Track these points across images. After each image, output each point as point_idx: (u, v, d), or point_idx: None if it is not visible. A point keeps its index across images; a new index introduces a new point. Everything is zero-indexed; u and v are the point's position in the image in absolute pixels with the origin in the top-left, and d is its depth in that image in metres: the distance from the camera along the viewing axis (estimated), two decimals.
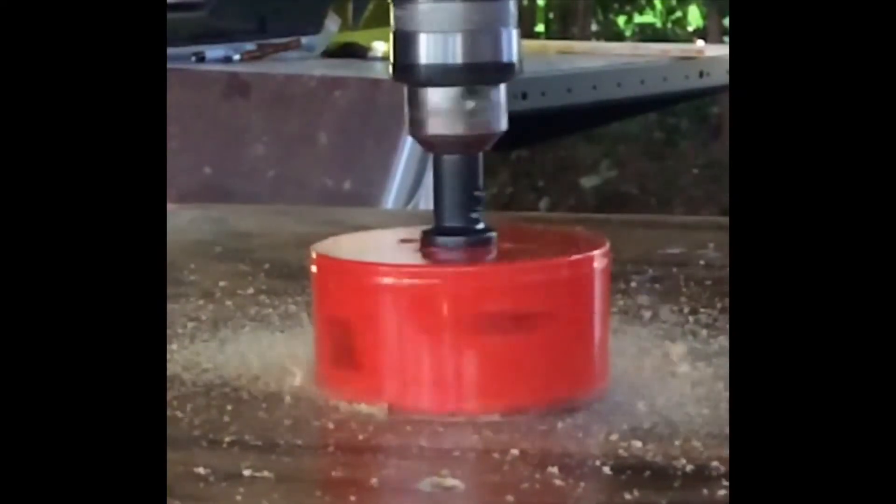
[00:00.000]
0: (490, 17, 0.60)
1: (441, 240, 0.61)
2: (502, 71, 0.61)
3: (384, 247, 0.65)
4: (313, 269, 0.62)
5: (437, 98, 0.60)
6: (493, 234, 0.62)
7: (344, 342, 0.60)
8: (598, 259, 0.60)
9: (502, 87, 0.61)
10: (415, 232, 0.63)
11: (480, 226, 0.62)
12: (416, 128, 0.61)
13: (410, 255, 0.62)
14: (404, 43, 0.60)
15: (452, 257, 0.61)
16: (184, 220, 1.01)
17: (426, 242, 0.62)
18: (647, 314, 0.72)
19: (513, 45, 0.61)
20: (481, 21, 0.60)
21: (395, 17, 0.61)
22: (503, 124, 0.61)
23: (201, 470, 0.53)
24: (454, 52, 0.60)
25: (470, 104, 0.60)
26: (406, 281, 0.59)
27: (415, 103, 0.61)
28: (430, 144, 0.62)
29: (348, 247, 0.65)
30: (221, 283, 0.80)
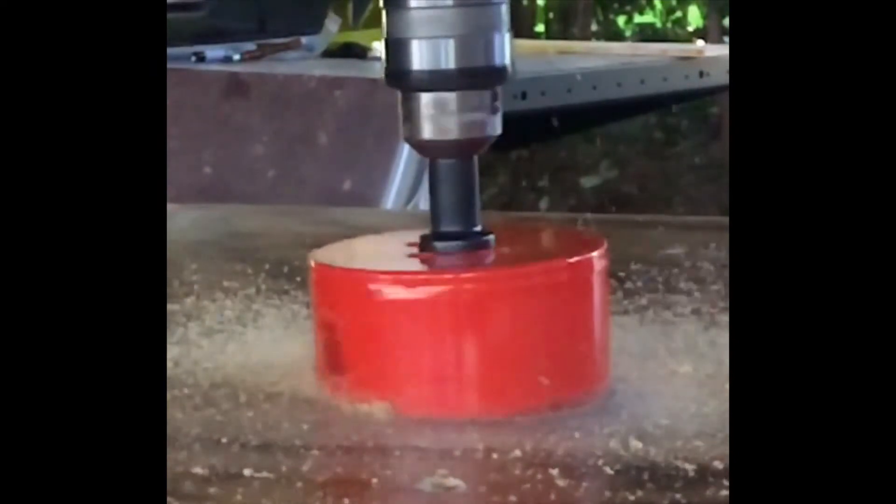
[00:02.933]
0: (482, 21, 0.60)
1: (439, 244, 0.61)
2: (495, 75, 0.61)
3: (383, 252, 0.65)
4: (312, 275, 0.61)
5: (430, 103, 0.60)
6: (491, 237, 0.62)
7: (345, 345, 0.60)
8: (597, 260, 0.60)
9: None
10: (413, 236, 0.63)
11: (478, 229, 0.62)
12: (411, 133, 0.61)
13: (409, 261, 0.62)
14: (397, 49, 0.60)
15: (451, 262, 0.61)
16: (185, 221, 1.00)
17: (424, 247, 0.62)
18: (648, 314, 0.72)
19: (505, 49, 0.61)
20: (474, 26, 0.60)
21: (387, 24, 0.61)
22: (498, 128, 0.61)
23: (201, 470, 0.53)
24: (447, 57, 0.60)
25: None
26: (405, 287, 0.59)
27: (408, 109, 0.61)
28: (425, 149, 0.61)
29: (347, 253, 0.65)
30: (223, 284, 0.80)
